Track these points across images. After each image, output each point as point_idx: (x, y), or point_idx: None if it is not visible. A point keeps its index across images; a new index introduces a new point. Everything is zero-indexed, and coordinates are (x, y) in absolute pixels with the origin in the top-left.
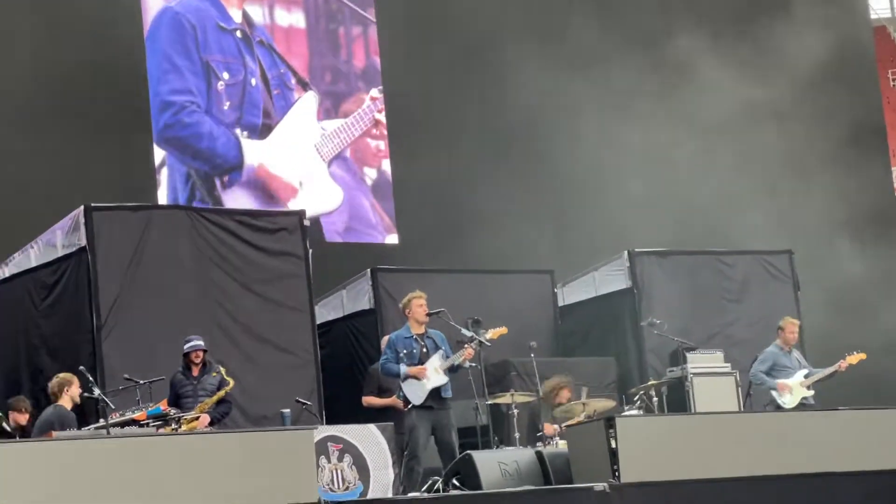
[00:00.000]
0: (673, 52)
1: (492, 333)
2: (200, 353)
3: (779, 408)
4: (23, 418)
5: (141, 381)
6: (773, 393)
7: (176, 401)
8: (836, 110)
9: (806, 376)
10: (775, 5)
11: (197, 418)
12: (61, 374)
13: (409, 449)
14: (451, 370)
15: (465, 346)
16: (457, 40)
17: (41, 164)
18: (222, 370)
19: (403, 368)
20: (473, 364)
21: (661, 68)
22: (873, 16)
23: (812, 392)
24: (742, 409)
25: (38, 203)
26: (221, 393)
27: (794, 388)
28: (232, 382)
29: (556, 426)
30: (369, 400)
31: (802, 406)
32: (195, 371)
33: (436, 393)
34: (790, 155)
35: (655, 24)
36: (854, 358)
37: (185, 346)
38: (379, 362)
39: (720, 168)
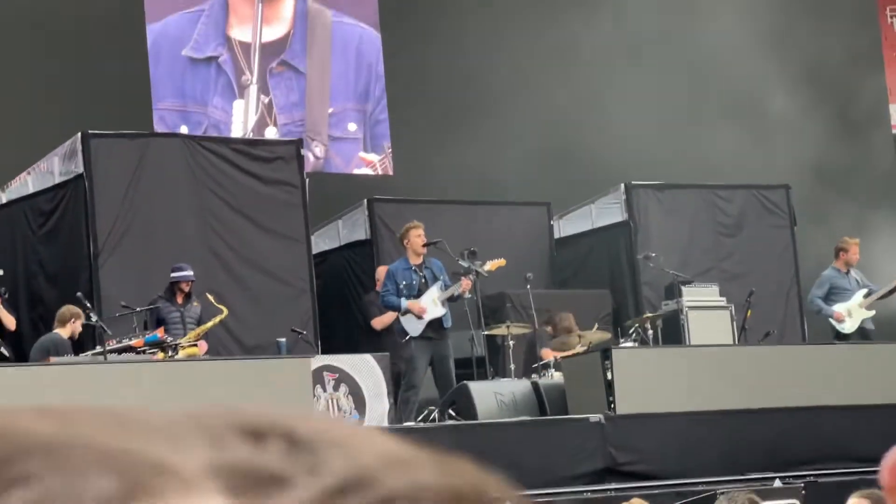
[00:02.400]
0: None
1: (490, 265)
2: (189, 284)
3: (838, 335)
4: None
5: (138, 309)
6: (832, 321)
7: (161, 328)
8: (833, 45)
9: (865, 296)
10: None
11: (195, 345)
12: (73, 306)
13: (406, 379)
14: (450, 300)
15: (462, 277)
16: None
17: (39, 90)
18: (211, 298)
19: (404, 302)
20: (470, 295)
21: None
22: None
23: (872, 312)
24: (737, 342)
25: (34, 129)
26: (216, 319)
27: (852, 310)
28: (225, 311)
29: (554, 354)
30: (382, 320)
31: (861, 331)
32: (179, 299)
33: (435, 323)
34: (785, 87)
35: None
36: None
37: (175, 275)
38: (379, 293)
39: (712, 103)
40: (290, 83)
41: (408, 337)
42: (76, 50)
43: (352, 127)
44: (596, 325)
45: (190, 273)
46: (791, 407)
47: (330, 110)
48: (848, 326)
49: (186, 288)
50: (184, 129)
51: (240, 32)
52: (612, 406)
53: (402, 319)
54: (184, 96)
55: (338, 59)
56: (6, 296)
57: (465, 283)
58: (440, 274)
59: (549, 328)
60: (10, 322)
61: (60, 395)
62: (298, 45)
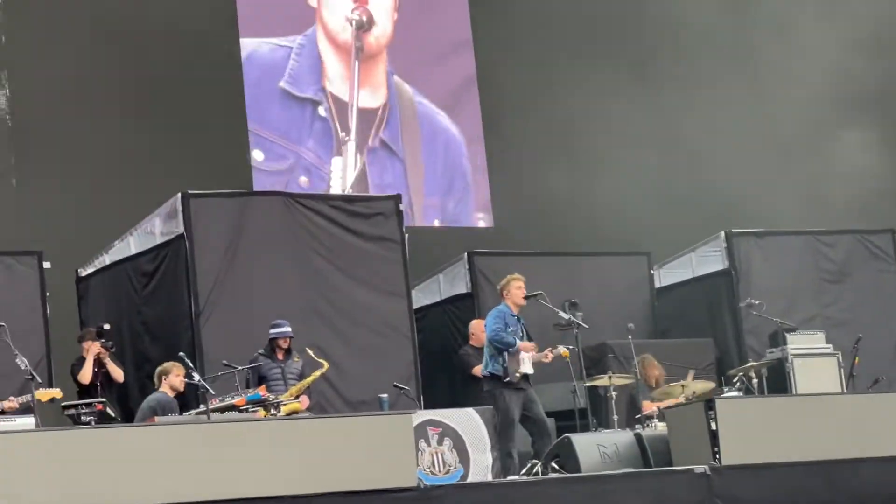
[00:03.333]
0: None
1: (560, 352)
2: (288, 340)
3: None
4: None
5: (240, 367)
6: None
7: (262, 385)
8: None
9: None
10: None
11: (297, 401)
12: (165, 363)
13: (503, 432)
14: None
15: (549, 350)
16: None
17: (141, 153)
18: (311, 352)
19: (517, 341)
20: (571, 347)
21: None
22: None
23: None
24: (845, 390)
25: (136, 191)
26: (317, 373)
27: None
28: (326, 365)
29: (655, 405)
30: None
31: None
32: (280, 355)
33: (524, 376)
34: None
35: None
36: None
37: (275, 331)
38: (491, 328)
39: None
40: (384, 162)
41: (507, 380)
42: (176, 109)
43: (436, 223)
44: (692, 374)
45: (288, 329)
46: None
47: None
48: None
49: (285, 344)
50: (258, 155)
51: (335, 86)
52: (718, 457)
53: (510, 360)
54: (272, 126)
55: (426, 149)
56: (114, 349)
57: (549, 357)
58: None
59: (646, 379)
60: (119, 374)
61: (165, 455)
62: (394, 125)
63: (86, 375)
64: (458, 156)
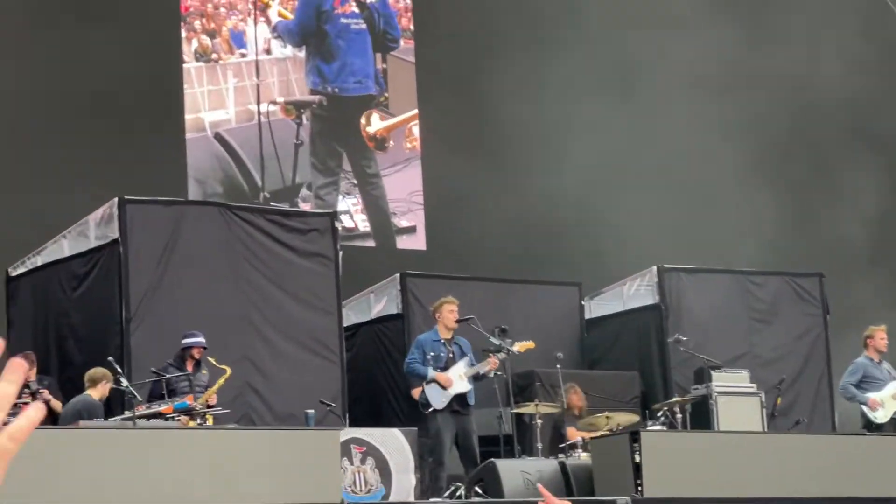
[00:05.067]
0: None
1: (519, 346)
2: (201, 350)
3: (869, 423)
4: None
5: (167, 375)
6: (864, 408)
7: (169, 395)
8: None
9: None
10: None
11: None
12: (102, 368)
13: (434, 454)
14: (476, 378)
15: (490, 355)
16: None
17: (77, 156)
18: (212, 360)
19: (431, 372)
20: (499, 373)
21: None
22: None
23: None
24: (766, 429)
25: (71, 194)
26: (221, 381)
27: (885, 401)
28: (228, 371)
29: (580, 434)
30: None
31: (893, 422)
32: (189, 366)
33: (460, 398)
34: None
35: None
36: None
37: (188, 341)
38: (406, 360)
39: (750, 185)
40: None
41: (431, 409)
42: (114, 114)
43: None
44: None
45: (202, 339)
46: (820, 497)
47: None
48: (881, 416)
49: (198, 355)
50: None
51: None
52: (640, 489)
53: (427, 389)
54: None
55: None
56: (47, 385)
57: (493, 362)
58: (468, 351)
59: (569, 407)
60: (58, 406)
61: (88, 459)
62: None
63: None
64: None
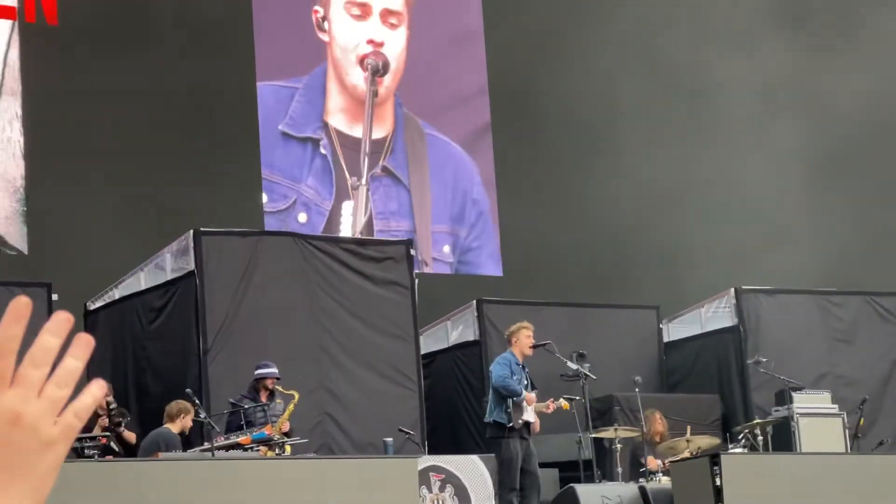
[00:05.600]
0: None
1: (555, 404)
2: (273, 381)
3: None
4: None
5: (245, 406)
6: None
7: (246, 427)
8: None
9: None
10: None
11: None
12: (182, 401)
13: (508, 480)
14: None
15: (551, 401)
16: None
17: (153, 189)
18: (280, 388)
19: (524, 392)
20: (574, 398)
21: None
22: None
23: None
24: (849, 450)
25: (148, 228)
26: (291, 407)
27: None
28: (297, 395)
29: (658, 461)
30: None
31: None
32: (264, 397)
33: (527, 424)
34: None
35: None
36: None
37: (261, 371)
38: (498, 374)
39: (824, 204)
40: (388, 190)
41: (510, 425)
42: (191, 147)
43: (446, 249)
44: (689, 429)
45: (275, 370)
46: None
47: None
48: None
49: (271, 385)
50: (264, 198)
51: (336, 119)
52: None
53: (513, 407)
54: (274, 167)
55: (435, 176)
56: (129, 419)
57: (551, 407)
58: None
59: (651, 434)
60: (131, 438)
61: (168, 490)
62: (400, 153)
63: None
64: (470, 183)
